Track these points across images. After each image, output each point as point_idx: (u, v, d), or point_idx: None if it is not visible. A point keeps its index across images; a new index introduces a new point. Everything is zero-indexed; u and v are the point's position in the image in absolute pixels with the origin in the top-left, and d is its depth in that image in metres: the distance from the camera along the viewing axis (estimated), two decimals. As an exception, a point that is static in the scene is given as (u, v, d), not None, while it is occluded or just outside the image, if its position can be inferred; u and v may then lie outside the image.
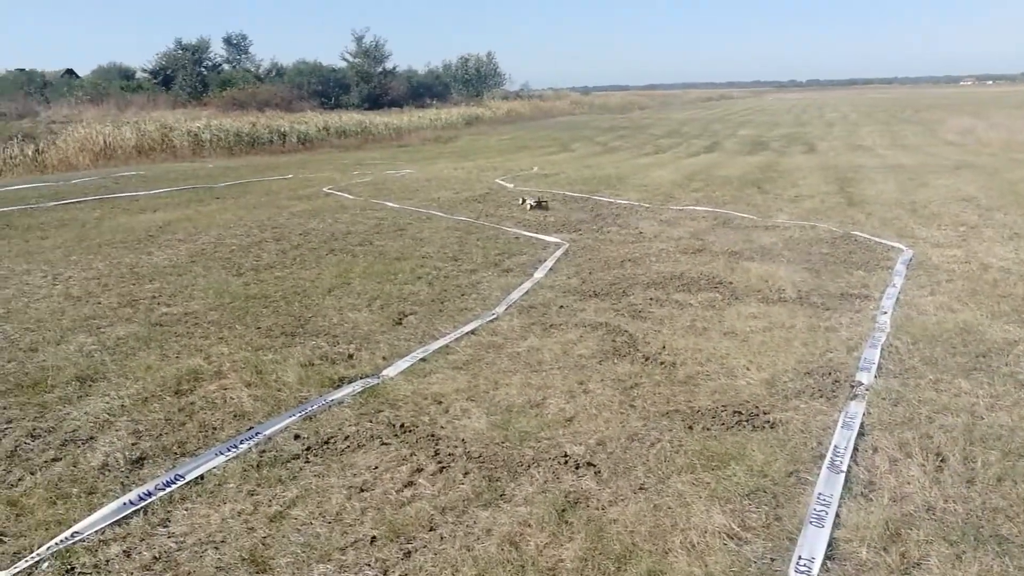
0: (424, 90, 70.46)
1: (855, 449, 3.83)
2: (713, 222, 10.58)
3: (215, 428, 4.26)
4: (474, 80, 75.86)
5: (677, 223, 10.53)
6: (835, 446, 3.84)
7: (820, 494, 3.39)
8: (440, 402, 4.58)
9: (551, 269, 7.96)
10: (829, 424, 4.15)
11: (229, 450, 3.93)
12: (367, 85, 63.22)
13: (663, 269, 7.86)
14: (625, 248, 8.95)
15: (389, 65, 67.16)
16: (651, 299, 6.76)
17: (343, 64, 67.13)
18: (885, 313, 6.13)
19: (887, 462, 3.71)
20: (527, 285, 7.30)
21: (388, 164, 21.86)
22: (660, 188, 14.41)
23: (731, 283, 7.24)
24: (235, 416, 4.41)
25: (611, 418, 4.32)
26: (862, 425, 4.10)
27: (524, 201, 12.40)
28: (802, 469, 3.67)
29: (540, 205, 12.09)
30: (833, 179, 15.35)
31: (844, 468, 3.62)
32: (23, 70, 77.01)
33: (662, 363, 5.17)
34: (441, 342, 5.65)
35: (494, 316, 6.30)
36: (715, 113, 61.23)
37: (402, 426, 4.25)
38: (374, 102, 59.79)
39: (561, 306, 6.59)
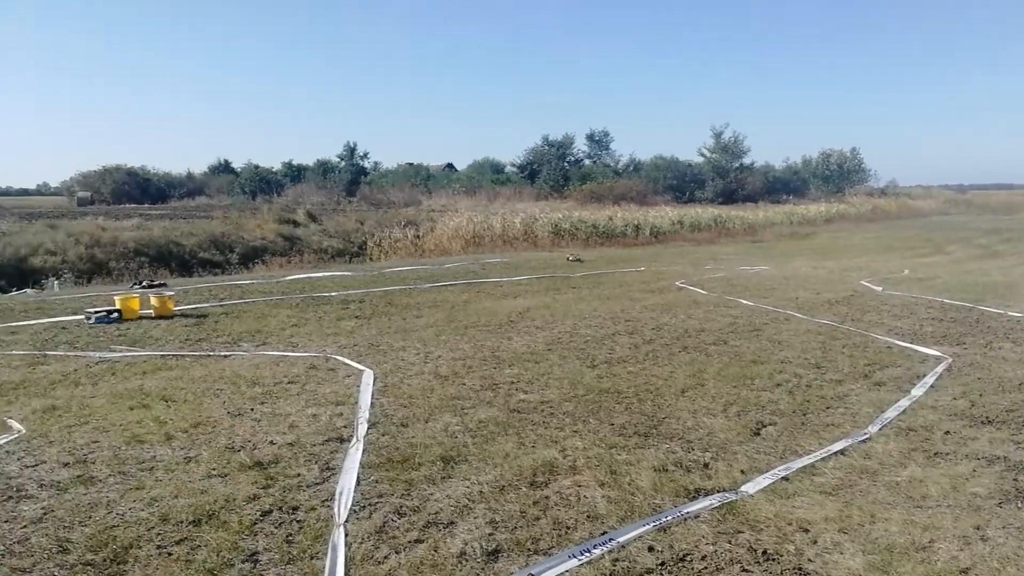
0: (781, 185, 69.07)
1: None
2: None
3: (568, 528, 4.17)
4: (835, 176, 73.07)
5: (1086, 342, 9.05)
6: None
7: None
8: (807, 530, 4.14)
9: (932, 386, 7.12)
10: None
11: (582, 554, 3.81)
12: (722, 180, 63.24)
13: (1073, 397, 6.72)
14: (1023, 370, 7.81)
15: (747, 160, 66.74)
16: (1060, 432, 5.75)
17: (699, 159, 67.78)
18: None
19: None
20: (904, 403, 6.56)
21: (742, 259, 21.45)
22: (1060, 299, 12.60)
23: None
24: (588, 517, 4.30)
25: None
26: None
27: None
28: None
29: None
30: None
31: None
32: (412, 164, 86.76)
33: (1083, 515, 4.31)
34: (805, 460, 5.18)
35: (866, 436, 5.70)
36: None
37: (764, 553, 3.88)
38: (728, 196, 59.59)
39: (947, 432, 5.81)
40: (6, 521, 4.32)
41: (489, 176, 73.56)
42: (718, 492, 4.64)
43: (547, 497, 4.60)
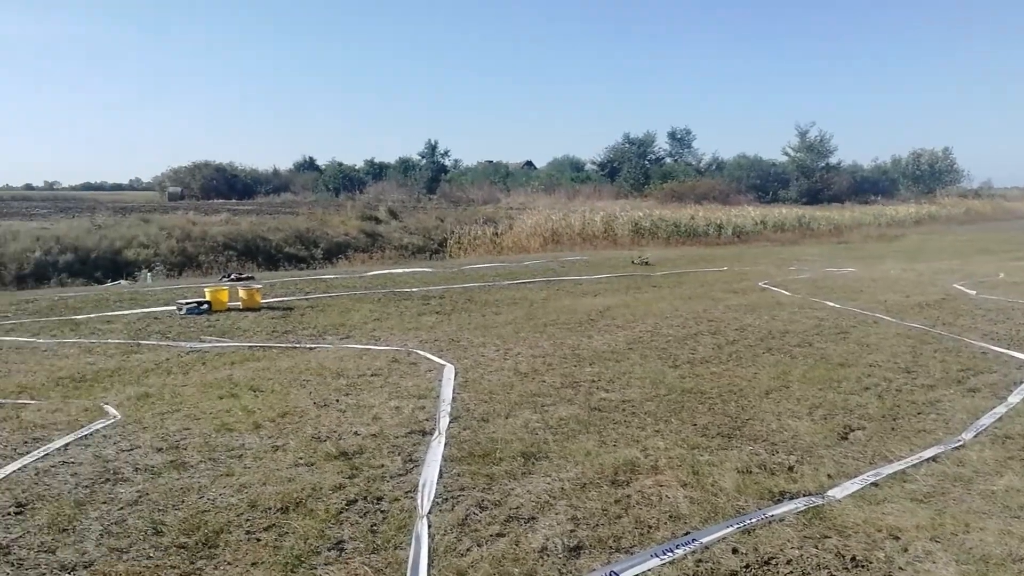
0: (869, 185, 67.43)
1: None
2: None
3: (650, 527, 4.14)
4: (926, 176, 70.89)
5: None
6: None
7: None
8: (897, 537, 4.02)
9: (1030, 394, 6.84)
10: None
11: (665, 553, 3.78)
12: (807, 180, 62.00)
13: None
14: None
15: (833, 160, 65.26)
16: None
17: (784, 158, 66.55)
18: None
19: None
20: (1000, 410, 6.31)
21: (827, 261, 20.97)
22: None
23: None
24: (670, 517, 4.26)
25: None
26: None
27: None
28: None
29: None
30: None
31: None
32: (491, 162, 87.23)
33: None
34: (896, 466, 5.04)
35: (959, 443, 5.50)
36: None
37: (853, 559, 3.78)
38: (813, 197, 58.40)
39: (1047, 441, 5.58)
40: (104, 502, 4.49)
41: (568, 174, 73.47)
42: (804, 496, 4.55)
43: (628, 496, 4.57)
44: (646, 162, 71.29)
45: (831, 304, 12.19)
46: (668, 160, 74.11)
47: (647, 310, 11.72)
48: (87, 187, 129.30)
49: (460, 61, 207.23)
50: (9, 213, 41.28)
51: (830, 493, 4.59)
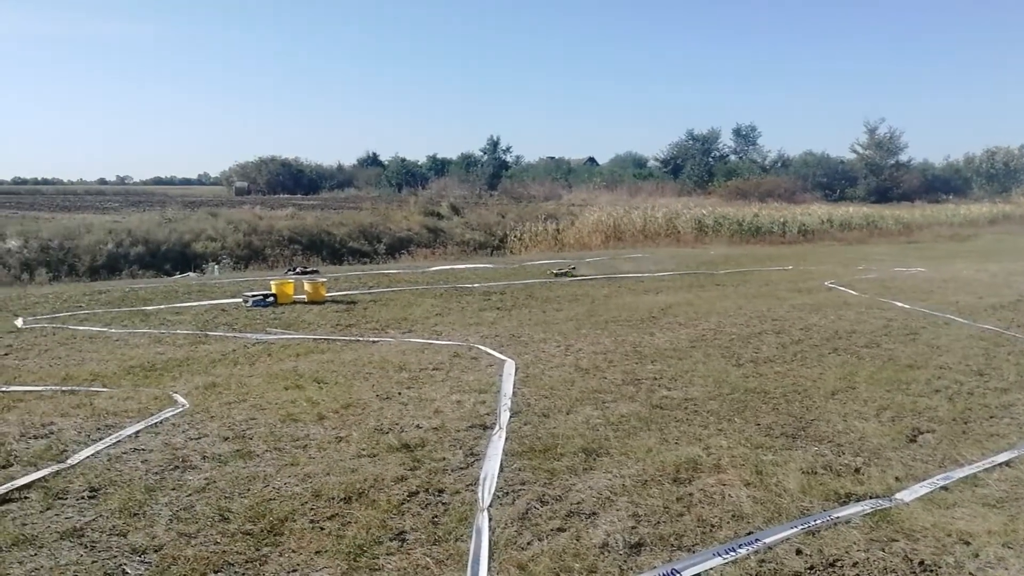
0: (940, 184, 65.77)
1: None
2: None
3: (712, 526, 4.10)
4: (1001, 175, 68.76)
5: None
6: None
7: None
8: (968, 543, 3.92)
9: (1109, 399, 6.61)
10: None
11: (727, 552, 3.74)
12: (876, 178, 60.77)
13: None
14: None
15: (903, 157, 63.78)
16: None
17: (852, 156, 65.27)
18: None
19: None
20: (1077, 415, 6.12)
21: (896, 260, 20.50)
22: None
23: None
24: (733, 516, 4.22)
25: None
26: None
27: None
28: None
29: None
30: None
31: None
32: (552, 158, 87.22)
33: None
34: (967, 470, 4.91)
35: (1035, 448, 5.35)
36: None
37: (921, 563, 3.70)
38: (882, 195, 57.22)
39: None
40: (173, 488, 4.61)
41: (631, 170, 73.11)
42: (871, 498, 4.46)
43: (690, 494, 4.54)
44: (710, 159, 70.60)
45: (900, 304, 11.91)
46: (732, 157, 73.31)
47: (710, 308, 11.60)
48: (157, 182, 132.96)
49: (522, 57, 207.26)
50: (83, 207, 42.69)
51: (898, 496, 4.50)
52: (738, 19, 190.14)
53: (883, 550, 3.84)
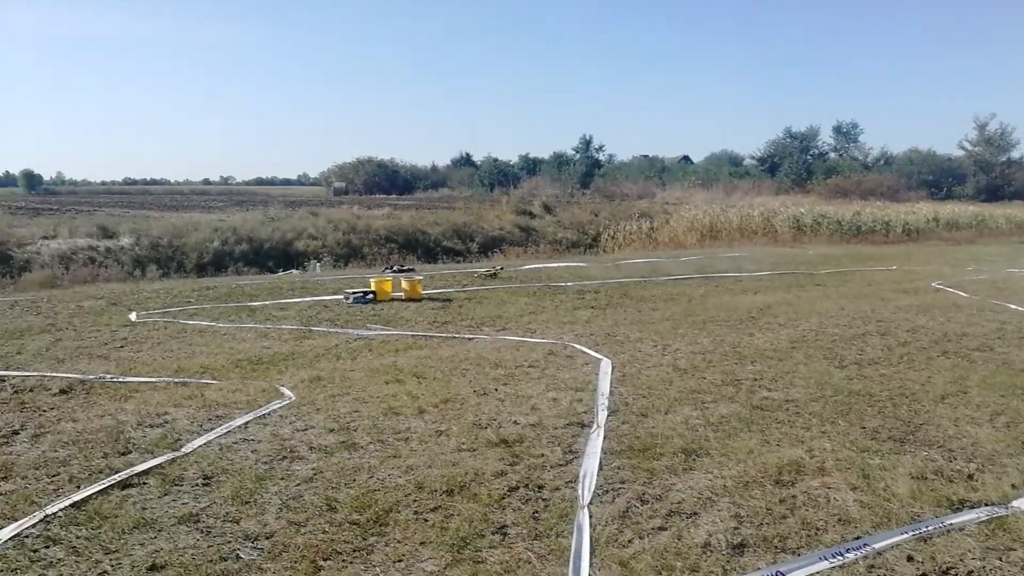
0: (1055, 181, 62.60)
1: None
2: None
3: (818, 529, 4.01)
4: (1120, 171, 65.13)
5: None
6: None
7: None
8: (1092, 555, 3.75)
9: None
10: None
11: (835, 556, 3.65)
12: (986, 175, 58.40)
13: None
14: None
15: (1015, 154, 61.08)
16: None
17: (960, 153, 62.81)
18: None
19: None
20: None
21: (1008, 261, 19.62)
22: None
23: None
24: (839, 520, 4.12)
25: None
26: None
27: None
28: None
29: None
30: None
31: None
32: (646, 156, 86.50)
33: None
34: (1090, 479, 4.68)
35: None
36: None
37: (1042, 575, 3.55)
38: (992, 193, 54.92)
39: None
40: (282, 478, 4.75)
41: (727, 169, 71.95)
42: (986, 505, 4.29)
43: (794, 496, 4.45)
44: (808, 157, 68.92)
45: (1014, 307, 11.42)
46: (832, 155, 71.39)
47: (811, 309, 11.34)
48: (259, 182, 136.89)
49: (614, 55, 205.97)
50: (189, 206, 44.39)
51: (1015, 504, 4.32)
52: (839, 16, 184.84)
53: (1000, 559, 3.69)
